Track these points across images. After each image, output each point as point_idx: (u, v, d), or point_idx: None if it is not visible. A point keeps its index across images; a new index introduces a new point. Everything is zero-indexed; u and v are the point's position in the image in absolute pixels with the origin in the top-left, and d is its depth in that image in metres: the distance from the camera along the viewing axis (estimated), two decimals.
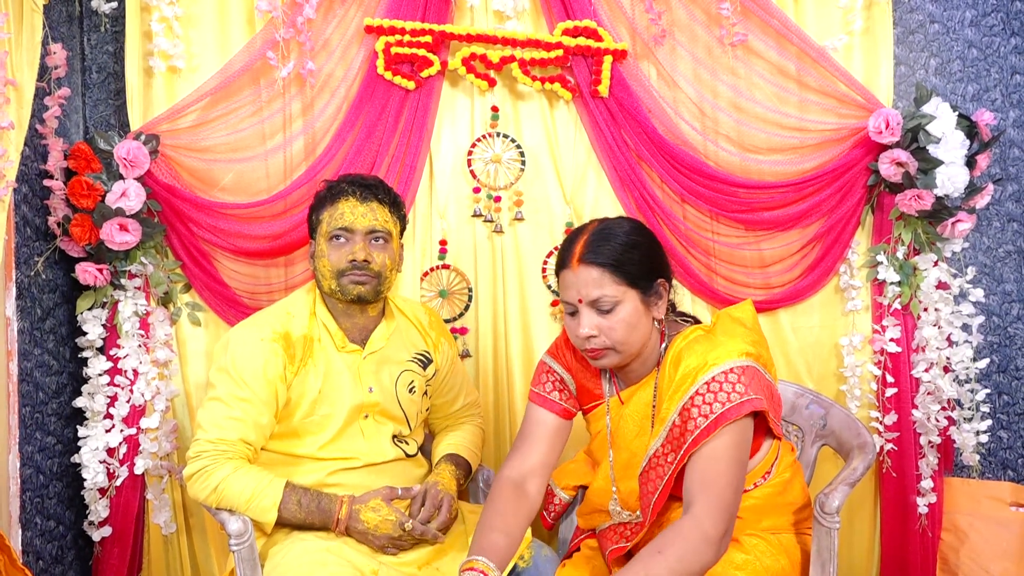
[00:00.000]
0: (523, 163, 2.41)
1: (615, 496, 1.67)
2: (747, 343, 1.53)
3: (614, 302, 1.51)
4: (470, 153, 2.41)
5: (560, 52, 2.31)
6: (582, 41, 2.30)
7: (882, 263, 2.33)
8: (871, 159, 2.31)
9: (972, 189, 2.27)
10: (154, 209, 2.26)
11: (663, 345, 1.61)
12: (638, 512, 1.63)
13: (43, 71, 2.13)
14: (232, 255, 2.34)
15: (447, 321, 2.38)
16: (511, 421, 2.43)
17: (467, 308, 2.42)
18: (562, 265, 1.57)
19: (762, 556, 1.58)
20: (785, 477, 1.69)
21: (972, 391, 2.31)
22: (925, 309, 2.32)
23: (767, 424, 1.58)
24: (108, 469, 2.24)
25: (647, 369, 1.63)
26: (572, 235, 1.59)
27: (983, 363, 2.32)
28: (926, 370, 2.32)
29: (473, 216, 2.42)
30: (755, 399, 1.47)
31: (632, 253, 1.53)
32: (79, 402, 2.26)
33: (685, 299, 2.41)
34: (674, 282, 1.65)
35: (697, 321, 1.69)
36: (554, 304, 2.44)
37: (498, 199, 2.41)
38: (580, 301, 1.53)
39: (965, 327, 2.34)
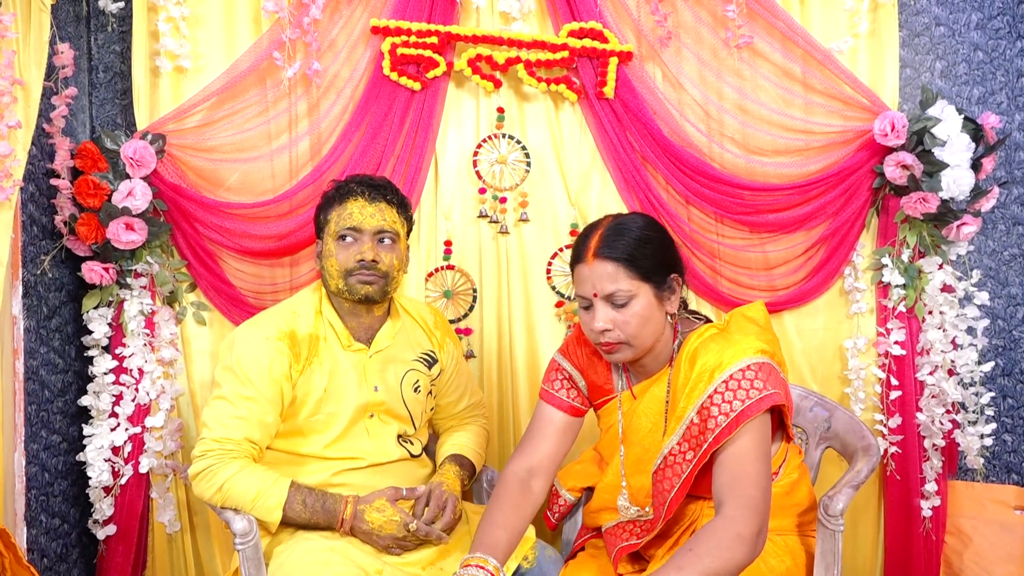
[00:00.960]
0: (528, 164, 2.42)
1: (624, 492, 1.68)
2: (762, 341, 1.55)
3: (628, 296, 1.53)
4: (475, 154, 2.41)
5: (566, 54, 2.32)
6: (588, 43, 2.31)
7: (887, 266, 2.33)
8: (876, 162, 2.31)
9: (977, 192, 2.26)
10: (160, 208, 2.27)
11: (676, 341, 1.62)
12: (647, 508, 1.64)
13: (50, 70, 2.14)
14: (237, 255, 2.34)
15: (452, 322, 2.38)
16: (515, 422, 2.43)
17: (471, 309, 2.43)
18: (577, 259, 1.58)
19: (767, 557, 1.58)
20: (793, 478, 1.69)
21: (977, 394, 2.31)
22: (930, 312, 2.32)
23: (778, 423, 1.59)
24: (113, 467, 2.25)
25: (660, 364, 1.64)
26: (587, 230, 1.60)
27: (988, 366, 2.32)
28: (930, 373, 2.31)
29: (478, 217, 2.43)
30: (774, 393, 1.49)
31: (646, 248, 1.54)
32: (84, 400, 2.26)
33: (690, 301, 2.41)
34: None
35: (708, 320, 1.70)
36: (558, 305, 2.44)
37: (503, 200, 2.42)
38: (595, 295, 1.54)
39: (970, 330, 2.33)
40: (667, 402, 1.61)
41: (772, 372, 1.51)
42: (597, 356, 1.72)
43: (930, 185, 2.24)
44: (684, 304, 1.69)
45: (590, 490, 1.89)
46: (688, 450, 1.53)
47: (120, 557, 2.28)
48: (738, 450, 1.47)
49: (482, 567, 1.47)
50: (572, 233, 2.42)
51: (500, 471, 2.22)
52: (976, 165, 2.26)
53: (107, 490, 2.26)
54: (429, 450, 2.07)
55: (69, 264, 2.30)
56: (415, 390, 1.95)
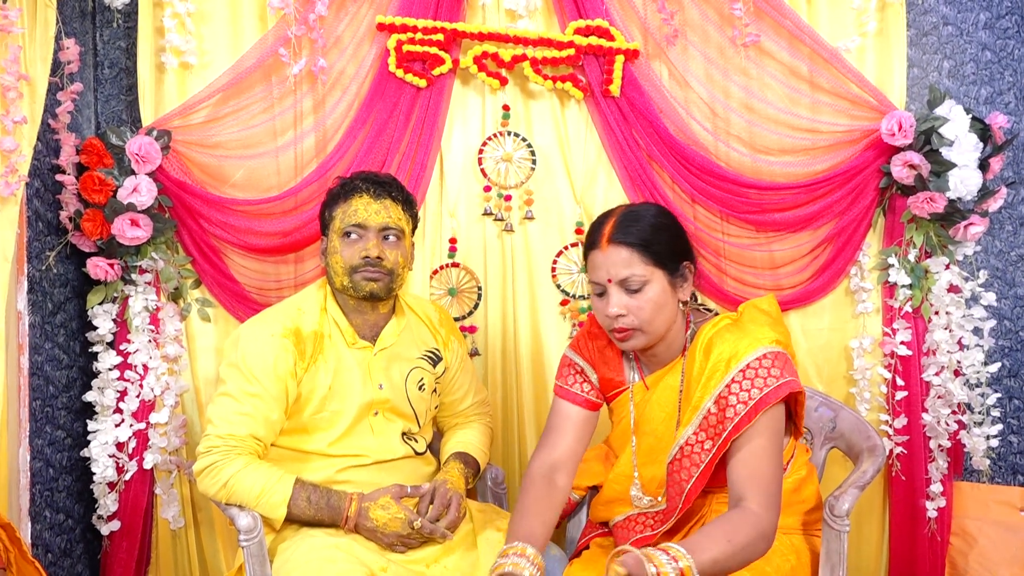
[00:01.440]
0: (534, 162, 2.41)
1: (637, 481, 1.69)
2: (776, 332, 1.57)
3: (642, 281, 1.54)
4: (481, 152, 2.41)
5: (572, 51, 2.31)
6: (594, 40, 2.30)
7: (893, 266, 2.32)
8: (883, 161, 2.30)
9: (985, 192, 2.25)
10: (165, 205, 2.27)
11: (688, 331, 1.64)
12: (660, 498, 1.65)
13: (56, 66, 2.14)
14: (242, 251, 2.34)
15: (456, 319, 2.38)
16: (520, 420, 2.43)
17: (476, 307, 2.43)
18: (591, 246, 1.59)
19: (772, 556, 1.58)
20: (801, 475, 1.71)
21: (983, 395, 2.30)
22: (936, 312, 2.31)
23: (787, 418, 1.59)
24: (117, 463, 2.25)
25: (672, 354, 1.65)
26: (600, 218, 1.62)
27: (994, 367, 2.31)
28: (936, 373, 2.30)
29: (483, 215, 2.42)
30: (791, 380, 1.51)
31: (660, 234, 1.56)
32: (89, 396, 2.27)
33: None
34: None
35: (718, 313, 1.71)
36: (563, 303, 2.44)
37: (508, 198, 2.41)
38: (609, 281, 1.55)
39: (976, 331, 2.32)
40: (680, 391, 1.62)
41: (787, 361, 1.53)
42: (609, 349, 1.73)
43: (937, 185, 2.23)
44: (694, 296, 1.70)
45: (594, 489, 1.89)
46: (706, 439, 1.54)
47: (124, 553, 2.28)
48: (755, 446, 1.49)
49: (522, 554, 1.48)
50: (577, 231, 2.41)
51: (504, 469, 2.23)
52: (984, 165, 2.25)
53: (111, 486, 2.26)
54: (433, 448, 2.07)
55: (74, 260, 2.30)
56: (420, 388, 1.95)
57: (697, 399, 1.55)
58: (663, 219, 1.60)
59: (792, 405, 1.59)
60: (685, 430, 1.56)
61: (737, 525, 1.43)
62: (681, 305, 1.62)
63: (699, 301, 1.75)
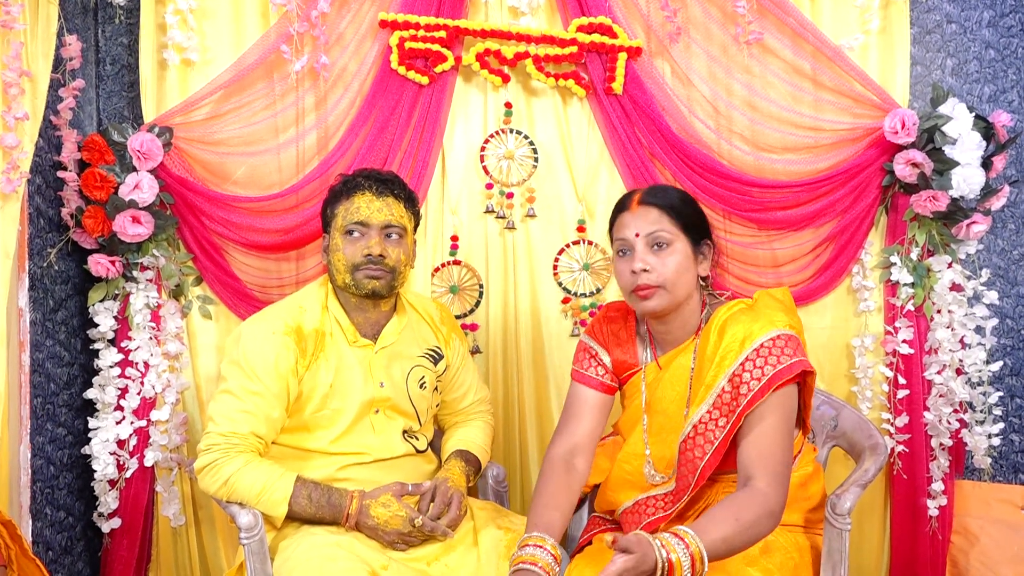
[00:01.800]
0: (536, 160, 2.41)
1: (649, 459, 1.70)
2: (789, 318, 1.61)
3: (669, 239, 1.60)
4: (483, 149, 2.41)
5: (574, 49, 2.31)
6: (597, 38, 2.30)
7: (896, 264, 2.32)
8: (886, 159, 2.30)
9: (988, 191, 2.25)
10: (167, 202, 2.27)
11: (703, 313, 1.67)
12: (671, 473, 1.66)
13: (58, 62, 2.13)
14: (244, 248, 2.34)
15: (457, 317, 2.37)
16: (521, 417, 2.43)
17: (478, 304, 2.42)
18: (620, 210, 1.67)
19: (774, 554, 1.59)
20: (807, 471, 1.72)
21: (984, 394, 2.30)
22: (938, 311, 2.31)
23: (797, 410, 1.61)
24: (118, 461, 2.25)
25: (687, 333, 1.67)
26: (628, 192, 1.71)
27: (996, 366, 2.31)
28: (938, 372, 2.30)
29: (485, 212, 2.42)
30: (804, 360, 1.54)
31: (686, 206, 1.66)
32: (90, 394, 2.26)
33: None
34: None
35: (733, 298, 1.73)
36: (565, 301, 2.43)
37: (510, 195, 2.41)
38: (637, 235, 1.60)
39: (978, 329, 2.32)
40: (692, 370, 1.65)
41: (799, 345, 1.57)
42: (623, 331, 1.76)
43: (940, 183, 2.22)
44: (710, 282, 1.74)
45: (596, 488, 1.89)
46: (720, 417, 1.56)
47: (125, 550, 2.28)
48: (767, 425, 1.51)
49: (540, 546, 1.50)
50: (579, 229, 2.41)
51: (506, 467, 2.23)
52: (986, 163, 2.25)
53: (112, 483, 2.26)
54: (434, 446, 2.06)
55: (75, 257, 2.30)
56: (421, 386, 1.94)
57: (711, 378, 1.58)
58: (687, 196, 1.70)
59: (802, 390, 1.60)
60: (698, 408, 1.59)
61: (744, 504, 1.45)
62: (700, 281, 1.66)
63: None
